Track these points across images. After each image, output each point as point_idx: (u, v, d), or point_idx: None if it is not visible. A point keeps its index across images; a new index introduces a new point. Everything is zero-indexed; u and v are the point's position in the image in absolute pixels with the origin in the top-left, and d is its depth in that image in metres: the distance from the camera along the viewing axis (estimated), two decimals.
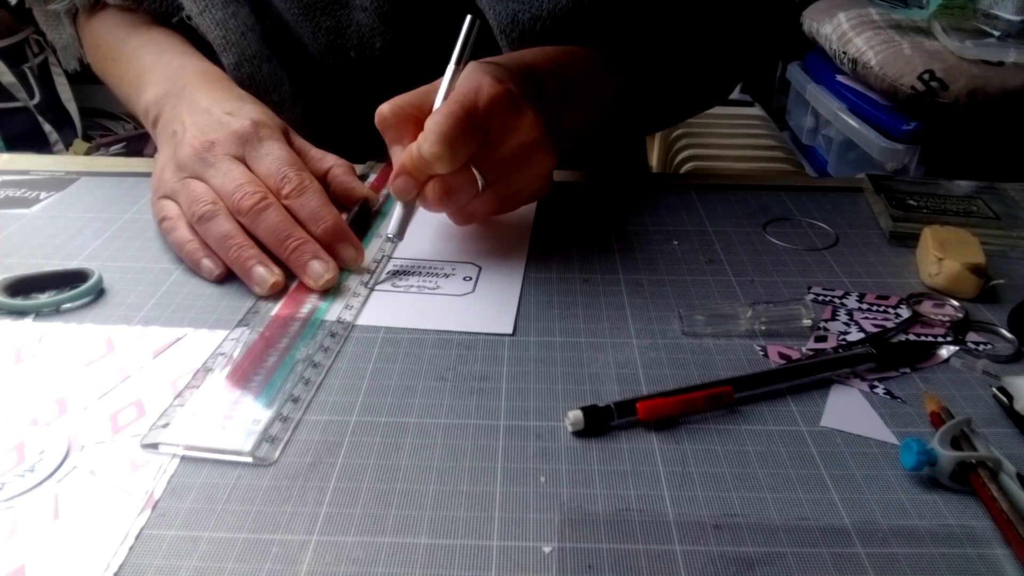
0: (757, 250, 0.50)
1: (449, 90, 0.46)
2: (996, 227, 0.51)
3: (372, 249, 0.48)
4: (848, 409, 0.36)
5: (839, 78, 1.57)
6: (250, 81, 0.59)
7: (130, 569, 0.27)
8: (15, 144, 1.94)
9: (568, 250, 0.49)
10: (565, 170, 0.61)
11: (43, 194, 0.56)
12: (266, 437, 0.33)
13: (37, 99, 2.00)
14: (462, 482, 0.31)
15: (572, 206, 0.56)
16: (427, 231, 0.51)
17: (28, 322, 0.41)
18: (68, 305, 0.42)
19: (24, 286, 0.43)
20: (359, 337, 0.40)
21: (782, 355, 0.40)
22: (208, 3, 0.58)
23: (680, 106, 0.69)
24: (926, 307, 0.44)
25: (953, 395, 0.37)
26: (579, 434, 0.34)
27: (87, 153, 2.02)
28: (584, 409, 0.34)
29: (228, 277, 0.45)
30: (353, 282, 0.45)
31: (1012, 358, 0.40)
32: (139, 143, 2.19)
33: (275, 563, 0.28)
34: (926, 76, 1.31)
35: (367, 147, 0.60)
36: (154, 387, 0.36)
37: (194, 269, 0.45)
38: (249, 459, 0.32)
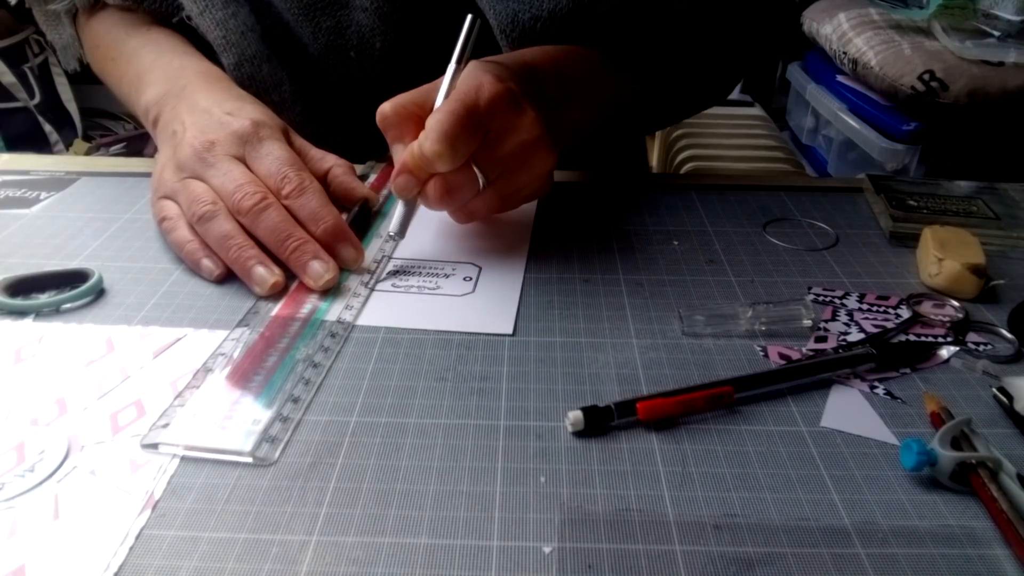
0: (757, 250, 0.50)
1: (450, 89, 0.46)
2: (996, 227, 0.51)
3: (372, 249, 0.48)
4: (848, 409, 0.36)
5: (839, 78, 1.57)
6: (250, 81, 0.59)
7: (130, 569, 0.27)
8: (15, 144, 1.94)
9: (568, 250, 0.49)
10: (565, 170, 0.61)
11: (43, 194, 0.56)
12: (266, 437, 0.33)
13: (37, 99, 2.00)
14: (462, 482, 0.31)
15: (572, 206, 0.56)
16: (427, 231, 0.51)
17: (28, 322, 0.41)
18: (68, 305, 0.42)
19: (24, 286, 0.43)
20: (359, 337, 0.40)
21: (782, 355, 0.40)
22: (208, 3, 0.58)
23: (680, 105, 0.69)
24: (926, 307, 0.44)
25: (953, 395, 0.37)
26: (579, 434, 0.34)
27: (87, 153, 2.02)
28: (584, 409, 0.34)
29: (228, 277, 0.45)
30: (353, 282, 0.45)
31: (1012, 358, 0.40)
32: (139, 143, 2.19)
33: (275, 563, 0.28)
34: (926, 76, 1.31)
35: (367, 147, 0.60)
36: (154, 387, 0.36)
37: (194, 269, 0.45)
38: (249, 459, 0.32)
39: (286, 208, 0.45)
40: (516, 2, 0.55)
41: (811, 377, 0.37)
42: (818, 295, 0.45)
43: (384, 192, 0.55)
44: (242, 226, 0.44)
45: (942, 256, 0.45)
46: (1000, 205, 0.54)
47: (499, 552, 0.28)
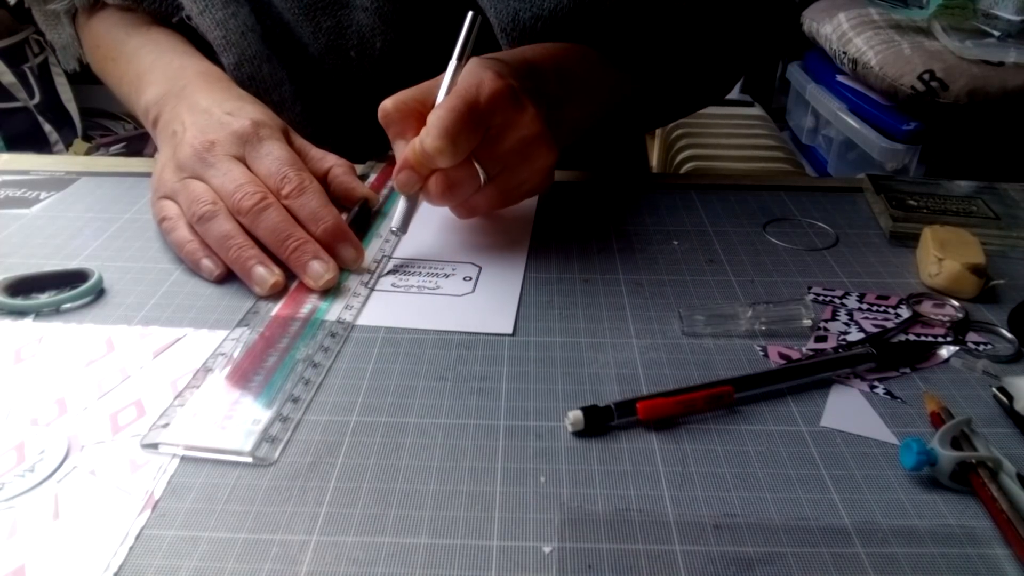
0: (757, 250, 0.50)
1: (451, 85, 0.46)
2: (996, 227, 0.51)
3: (372, 249, 0.48)
4: (848, 409, 0.36)
5: (839, 78, 1.57)
6: (250, 81, 0.59)
7: (130, 569, 0.27)
8: (15, 144, 1.94)
9: (568, 250, 0.49)
10: (565, 170, 0.61)
11: (43, 194, 0.56)
12: (266, 437, 0.33)
13: (37, 99, 2.00)
14: (462, 482, 0.31)
15: (572, 206, 0.56)
16: (427, 231, 0.51)
17: (28, 322, 0.41)
18: (68, 305, 0.42)
19: (24, 286, 0.43)
20: (359, 337, 0.40)
21: (782, 355, 0.40)
22: (208, 3, 0.58)
23: (680, 103, 0.69)
24: (926, 307, 0.44)
25: (953, 395, 0.37)
26: (579, 434, 0.34)
27: (87, 153, 2.02)
28: (584, 409, 0.34)
29: (228, 277, 0.45)
30: (353, 282, 0.45)
31: (1012, 358, 0.40)
32: (139, 143, 2.19)
33: (275, 563, 0.28)
34: (926, 76, 1.31)
35: (367, 147, 0.60)
36: (154, 387, 0.36)
37: (194, 269, 0.45)
38: (249, 459, 0.32)
39: (286, 208, 0.45)
40: (517, 1, 0.55)
41: (811, 377, 0.37)
42: (818, 295, 0.45)
43: (384, 192, 0.56)
44: (242, 226, 0.44)
45: (942, 256, 0.45)
46: (1000, 205, 0.54)
47: (499, 552, 0.28)
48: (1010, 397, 0.36)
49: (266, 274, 0.43)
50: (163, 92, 0.54)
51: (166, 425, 0.33)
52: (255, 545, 0.28)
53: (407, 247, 0.49)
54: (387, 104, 0.47)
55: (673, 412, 0.35)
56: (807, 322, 0.42)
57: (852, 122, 1.46)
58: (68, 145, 2.07)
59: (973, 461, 0.31)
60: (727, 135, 1.49)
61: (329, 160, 0.52)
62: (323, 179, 0.51)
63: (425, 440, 0.33)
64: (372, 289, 0.45)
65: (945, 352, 0.40)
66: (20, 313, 0.42)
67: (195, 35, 0.60)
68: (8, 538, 0.28)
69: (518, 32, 0.55)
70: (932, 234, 0.47)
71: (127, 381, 0.37)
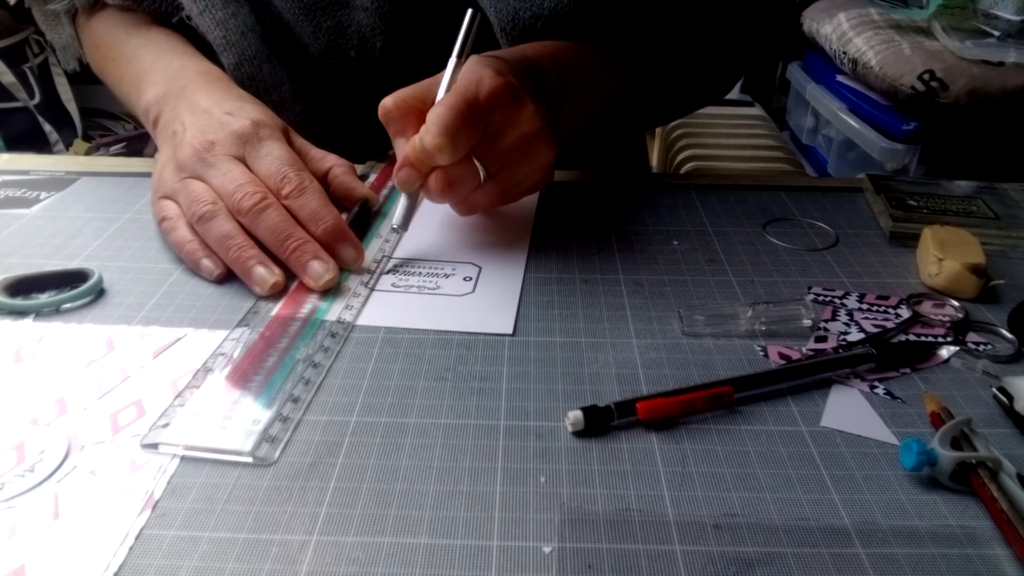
0: (757, 250, 0.50)
1: (451, 83, 0.46)
2: (996, 227, 0.51)
3: (372, 249, 0.48)
4: (848, 409, 0.36)
5: (839, 78, 1.57)
6: (250, 81, 0.59)
7: (130, 569, 0.27)
8: (15, 144, 1.94)
9: (568, 250, 0.49)
10: (565, 170, 0.61)
11: (43, 194, 0.56)
12: (266, 437, 0.33)
13: (37, 99, 2.00)
14: (462, 482, 0.31)
15: (572, 206, 0.56)
16: (427, 231, 0.51)
17: (28, 322, 0.41)
18: (68, 305, 0.42)
19: (24, 286, 0.43)
20: (359, 337, 0.40)
21: (782, 355, 0.40)
22: (208, 3, 0.58)
23: (679, 102, 0.69)
24: (926, 307, 0.44)
25: (953, 395, 0.37)
26: (579, 434, 0.34)
27: (87, 153, 2.02)
28: (584, 409, 0.34)
29: (228, 277, 0.45)
30: (353, 282, 0.45)
31: (1012, 358, 0.40)
32: (139, 143, 2.19)
33: (275, 563, 0.28)
34: (926, 76, 1.31)
35: (367, 147, 0.60)
36: (154, 387, 0.36)
37: (194, 269, 0.45)
38: (249, 459, 0.32)
39: (286, 208, 0.45)
40: (518, 0, 0.55)
41: (811, 377, 0.37)
42: (818, 295, 0.45)
43: (384, 192, 0.56)
44: (242, 226, 0.44)
45: (942, 256, 0.45)
46: (1000, 205, 0.54)
47: (499, 552, 0.28)
48: (1010, 397, 0.36)
49: (266, 274, 0.43)
50: (163, 92, 0.54)
51: (166, 425, 0.33)
52: (255, 545, 0.28)
53: (407, 247, 0.49)
54: (387, 102, 0.47)
55: (673, 412, 0.35)
56: (807, 322, 0.42)
57: (852, 122, 1.46)
58: (68, 145, 2.07)
59: (973, 461, 0.31)
60: (727, 135, 1.49)
61: (329, 160, 0.52)
62: (323, 179, 0.51)
63: (425, 440, 0.33)
64: (372, 289, 0.45)
65: (945, 352, 0.40)
66: (20, 313, 0.42)
67: (195, 35, 0.60)
68: (8, 538, 0.28)
69: (518, 31, 0.55)
70: (932, 234, 0.47)
71: (127, 381, 0.37)
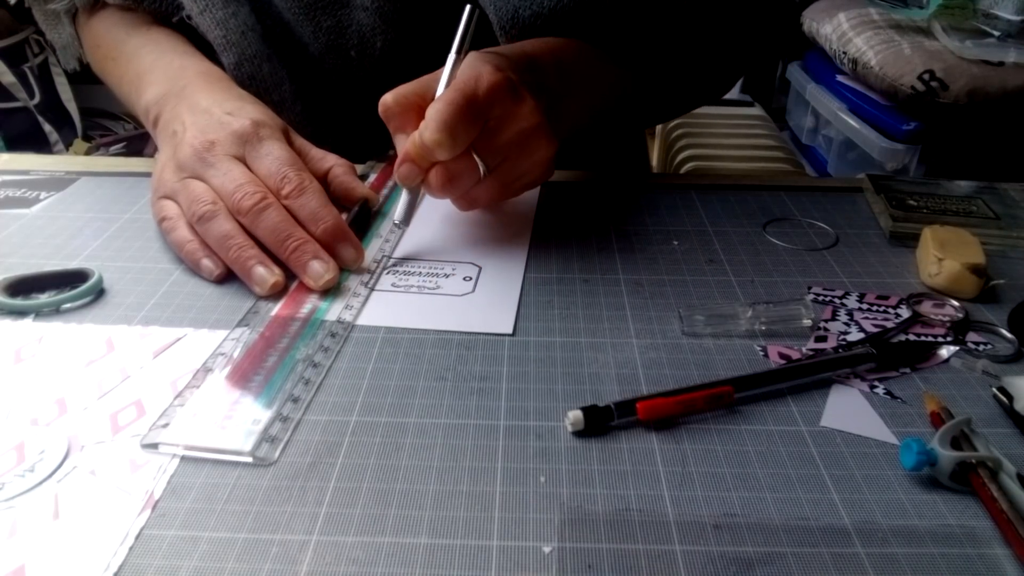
0: (757, 250, 0.50)
1: (450, 79, 0.47)
2: (996, 227, 0.51)
3: (372, 249, 0.48)
4: (848, 409, 0.36)
5: (839, 78, 1.57)
6: (250, 81, 0.59)
7: (130, 569, 0.27)
8: (15, 144, 1.94)
9: (568, 250, 0.49)
10: (565, 170, 0.61)
11: (43, 194, 0.56)
12: (266, 437, 0.33)
13: (37, 99, 2.00)
14: (462, 482, 0.31)
15: (572, 206, 0.56)
16: (427, 231, 0.51)
17: (28, 322, 0.41)
18: (68, 305, 0.42)
19: (24, 286, 0.43)
20: (359, 337, 0.40)
21: (782, 355, 0.40)
22: (208, 3, 0.58)
23: (679, 101, 0.69)
24: (926, 307, 0.44)
25: (953, 395, 0.37)
26: (579, 434, 0.34)
27: (87, 153, 2.02)
28: (584, 409, 0.34)
29: (228, 277, 0.45)
30: (353, 282, 0.45)
31: (1012, 358, 0.40)
32: (139, 143, 2.19)
33: (275, 563, 0.28)
34: (926, 76, 1.31)
35: (367, 147, 0.60)
36: (154, 387, 0.36)
37: (194, 269, 0.45)
38: (249, 459, 0.32)
39: (286, 208, 0.45)
40: None
41: (811, 377, 0.37)
42: (818, 295, 0.45)
43: (384, 192, 0.56)
44: (242, 226, 0.44)
45: (942, 256, 0.45)
46: (1000, 205, 0.54)
47: (499, 552, 0.28)
48: (1010, 397, 0.36)
49: (266, 274, 0.43)
50: (163, 92, 0.54)
51: (166, 425, 0.33)
52: (255, 545, 0.28)
53: (407, 247, 0.49)
54: (387, 98, 0.47)
55: (673, 412, 0.35)
56: (807, 322, 0.42)
57: (852, 122, 1.46)
58: (68, 145, 2.07)
59: (973, 461, 0.31)
60: (727, 135, 1.49)
61: (329, 160, 0.52)
62: (323, 179, 0.51)
63: (425, 440, 0.33)
64: (372, 289, 0.45)
65: (945, 352, 0.40)
66: (20, 313, 0.42)
67: (195, 35, 0.60)
68: (8, 538, 0.28)
69: (517, 29, 0.55)
70: (932, 234, 0.47)
71: (127, 381, 0.37)
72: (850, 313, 0.43)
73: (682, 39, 0.61)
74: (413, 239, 0.50)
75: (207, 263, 0.45)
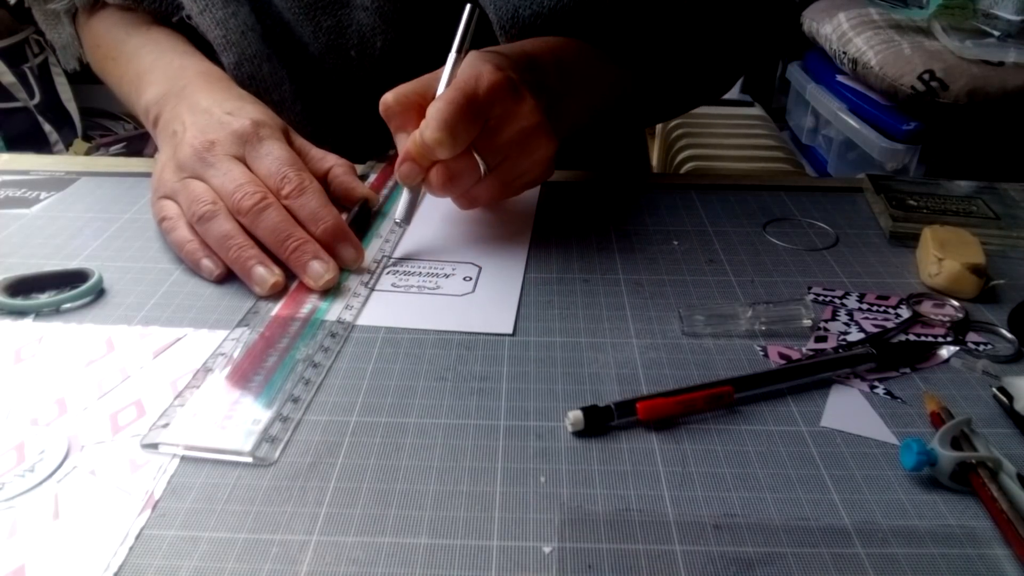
0: (757, 250, 0.50)
1: (451, 78, 0.47)
2: (996, 227, 0.51)
3: (372, 249, 0.48)
4: (848, 409, 0.36)
5: (839, 78, 1.57)
6: (250, 81, 0.59)
7: (130, 569, 0.27)
8: (15, 144, 1.94)
9: (568, 250, 0.49)
10: (565, 170, 0.61)
11: (43, 194, 0.56)
12: (266, 437, 0.33)
13: (37, 99, 2.00)
14: (462, 482, 0.31)
15: (572, 206, 0.56)
16: (427, 231, 0.51)
17: (28, 322, 0.41)
18: (68, 305, 0.42)
19: (24, 286, 0.43)
20: (359, 337, 0.40)
21: (782, 355, 0.40)
22: (208, 2, 0.58)
23: (679, 99, 0.69)
24: (926, 307, 0.44)
25: (953, 395, 0.37)
26: (579, 434, 0.34)
27: (87, 153, 2.02)
28: (584, 409, 0.34)
29: (228, 277, 0.45)
30: (353, 282, 0.45)
31: (1012, 358, 0.40)
32: (139, 143, 2.19)
33: (275, 563, 0.28)
34: (926, 76, 1.31)
35: (367, 147, 0.60)
36: (154, 387, 0.36)
37: (194, 269, 0.45)
38: (249, 459, 0.32)
39: (286, 208, 0.45)
40: None
41: (811, 377, 0.37)
42: (818, 295, 0.45)
43: (384, 192, 0.56)
44: (242, 226, 0.44)
45: (942, 256, 0.45)
46: (1000, 205, 0.54)
47: (499, 552, 0.28)
48: (1010, 397, 0.36)
49: (266, 274, 0.43)
50: (163, 92, 0.54)
51: (166, 425, 0.33)
52: (255, 545, 0.28)
53: (407, 246, 0.49)
54: (388, 97, 0.47)
55: (673, 412, 0.35)
56: (807, 322, 0.42)
57: (852, 122, 1.46)
58: (68, 145, 2.07)
59: (973, 461, 0.31)
60: (727, 135, 1.49)
61: (329, 160, 0.52)
62: (323, 179, 0.51)
63: (425, 440, 0.33)
64: (372, 289, 0.45)
65: (945, 352, 0.40)
66: (20, 313, 0.42)
67: (195, 35, 0.60)
68: (8, 538, 0.28)
69: (517, 29, 0.55)
70: (932, 234, 0.47)
71: (127, 381, 0.37)
72: (850, 313, 0.43)
73: (682, 39, 0.61)
74: (413, 239, 0.50)
75: (207, 263, 0.45)
